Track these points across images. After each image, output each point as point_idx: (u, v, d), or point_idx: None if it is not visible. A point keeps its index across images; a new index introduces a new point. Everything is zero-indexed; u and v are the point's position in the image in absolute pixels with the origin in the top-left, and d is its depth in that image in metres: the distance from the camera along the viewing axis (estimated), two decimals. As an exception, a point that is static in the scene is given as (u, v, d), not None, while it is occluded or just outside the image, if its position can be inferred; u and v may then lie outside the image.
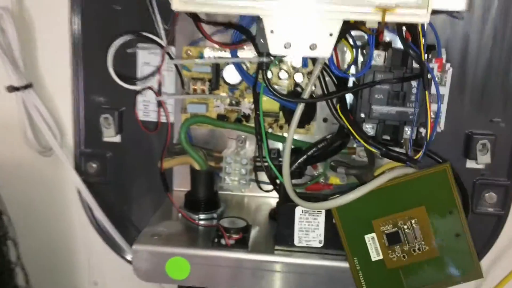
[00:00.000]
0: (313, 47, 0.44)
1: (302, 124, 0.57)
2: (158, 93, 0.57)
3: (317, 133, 0.61)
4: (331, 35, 0.44)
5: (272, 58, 0.49)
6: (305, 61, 0.57)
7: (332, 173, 0.60)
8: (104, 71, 0.58)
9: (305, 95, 0.49)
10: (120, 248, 0.66)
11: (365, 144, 0.47)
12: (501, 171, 0.62)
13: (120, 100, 0.63)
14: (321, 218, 0.49)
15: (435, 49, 0.48)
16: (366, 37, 0.55)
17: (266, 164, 0.53)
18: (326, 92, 0.51)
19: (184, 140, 0.55)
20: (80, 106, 0.64)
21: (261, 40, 0.47)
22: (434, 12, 0.42)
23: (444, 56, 0.50)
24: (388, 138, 0.52)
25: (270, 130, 0.59)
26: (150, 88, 0.58)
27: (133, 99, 0.62)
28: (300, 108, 0.49)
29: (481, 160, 0.61)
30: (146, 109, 0.63)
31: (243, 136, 0.61)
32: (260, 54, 0.48)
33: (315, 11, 0.43)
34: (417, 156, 0.46)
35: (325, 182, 0.60)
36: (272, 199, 0.64)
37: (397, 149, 0.48)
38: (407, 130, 0.50)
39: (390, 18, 0.42)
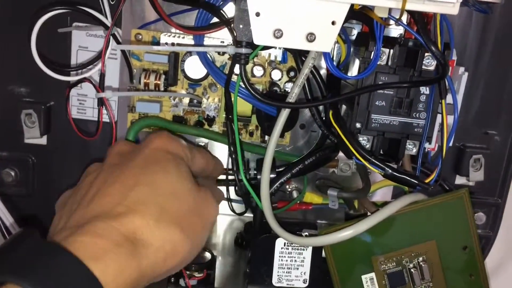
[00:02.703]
0: (310, 37, 0.34)
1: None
2: (100, 87, 0.44)
3: (293, 141, 0.51)
4: (333, 23, 0.34)
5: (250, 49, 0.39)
6: (284, 55, 0.47)
7: (308, 189, 0.50)
8: (25, 55, 0.45)
9: (292, 99, 0.39)
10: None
11: (365, 163, 0.38)
12: (492, 189, 0.56)
13: (48, 92, 0.49)
14: (307, 253, 0.39)
15: (449, 48, 0.39)
16: (354, 30, 0.47)
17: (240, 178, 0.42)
18: (323, 94, 0.40)
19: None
20: (-5, 98, 0.50)
21: (240, 26, 0.36)
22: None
23: (455, 58, 0.42)
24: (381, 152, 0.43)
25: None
26: (88, 80, 0.45)
27: (64, 91, 0.49)
28: (284, 114, 0.39)
29: (473, 177, 0.54)
30: (81, 105, 0.50)
31: (203, 144, 0.50)
32: (238, 43, 0.38)
33: (316, -9, 0.33)
34: (429, 179, 0.38)
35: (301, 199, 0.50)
36: (232, 217, 0.53)
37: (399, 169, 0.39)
38: (410, 146, 0.41)
39: (412, 5, 0.33)
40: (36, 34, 0.41)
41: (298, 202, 0.49)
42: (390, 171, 0.37)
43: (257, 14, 0.34)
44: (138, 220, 0.30)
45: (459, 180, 0.55)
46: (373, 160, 0.38)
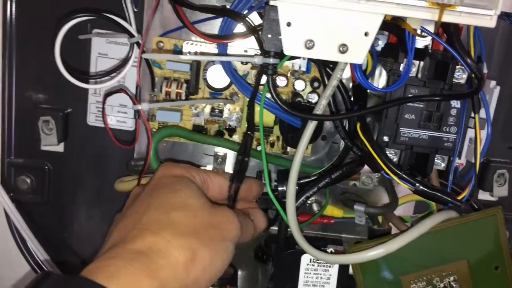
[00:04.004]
0: (343, 48, 0.34)
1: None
2: (136, 98, 0.43)
3: (313, 153, 0.50)
4: (366, 34, 0.34)
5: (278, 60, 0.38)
6: (308, 65, 0.46)
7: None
8: (45, 61, 0.45)
9: (320, 111, 0.38)
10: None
11: (395, 177, 0.37)
12: (514, 205, 0.54)
13: (66, 99, 0.49)
14: (334, 270, 0.38)
15: (481, 61, 0.38)
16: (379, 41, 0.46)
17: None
18: (347, 106, 0.40)
19: (153, 158, 0.42)
20: (12, 104, 0.49)
21: (269, 35, 0.36)
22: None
23: (486, 71, 0.41)
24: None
25: (258, 148, 0.48)
26: (124, 91, 0.43)
27: (83, 98, 0.48)
28: (311, 127, 0.38)
29: (497, 193, 0.52)
30: (100, 112, 0.49)
31: (221, 153, 0.49)
32: (266, 53, 0.37)
33: (350, 1, 0.32)
34: (461, 196, 0.36)
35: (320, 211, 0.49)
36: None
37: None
38: (438, 161, 0.40)
39: (448, 17, 0.32)
40: (60, 41, 0.40)
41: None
42: (421, 187, 0.36)
43: (288, 24, 0.33)
44: (151, 237, 0.31)
45: (482, 195, 0.53)
46: (403, 175, 0.37)
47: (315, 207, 0.49)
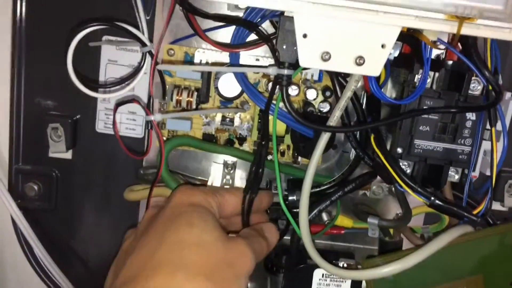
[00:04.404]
0: (359, 61, 0.33)
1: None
2: (148, 109, 0.42)
3: (324, 161, 0.49)
4: (383, 46, 0.33)
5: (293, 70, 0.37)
6: (320, 74, 0.45)
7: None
8: (54, 68, 0.45)
9: (334, 122, 0.37)
10: (65, 294, 0.52)
11: (409, 191, 0.36)
12: (527, 215, 0.54)
13: (75, 106, 0.48)
14: (347, 285, 0.38)
15: (498, 73, 0.38)
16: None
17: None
18: (359, 117, 0.39)
19: (165, 168, 0.42)
20: (21, 111, 0.48)
21: (284, 46, 0.35)
22: None
23: (501, 82, 0.40)
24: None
25: (269, 157, 0.47)
26: (136, 101, 0.43)
27: (92, 104, 0.48)
28: (325, 138, 0.38)
29: (508, 203, 0.52)
30: (108, 119, 0.49)
31: (230, 162, 0.49)
32: (280, 64, 0.36)
33: (367, 13, 0.31)
34: (477, 210, 0.36)
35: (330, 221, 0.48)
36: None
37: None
38: (452, 173, 0.40)
39: (466, 30, 0.32)
40: (73, 50, 0.40)
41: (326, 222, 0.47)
42: (436, 201, 0.36)
43: (304, 36, 0.33)
44: (163, 277, 0.31)
45: (493, 205, 0.53)
46: (418, 188, 0.36)
47: (324, 216, 0.49)
